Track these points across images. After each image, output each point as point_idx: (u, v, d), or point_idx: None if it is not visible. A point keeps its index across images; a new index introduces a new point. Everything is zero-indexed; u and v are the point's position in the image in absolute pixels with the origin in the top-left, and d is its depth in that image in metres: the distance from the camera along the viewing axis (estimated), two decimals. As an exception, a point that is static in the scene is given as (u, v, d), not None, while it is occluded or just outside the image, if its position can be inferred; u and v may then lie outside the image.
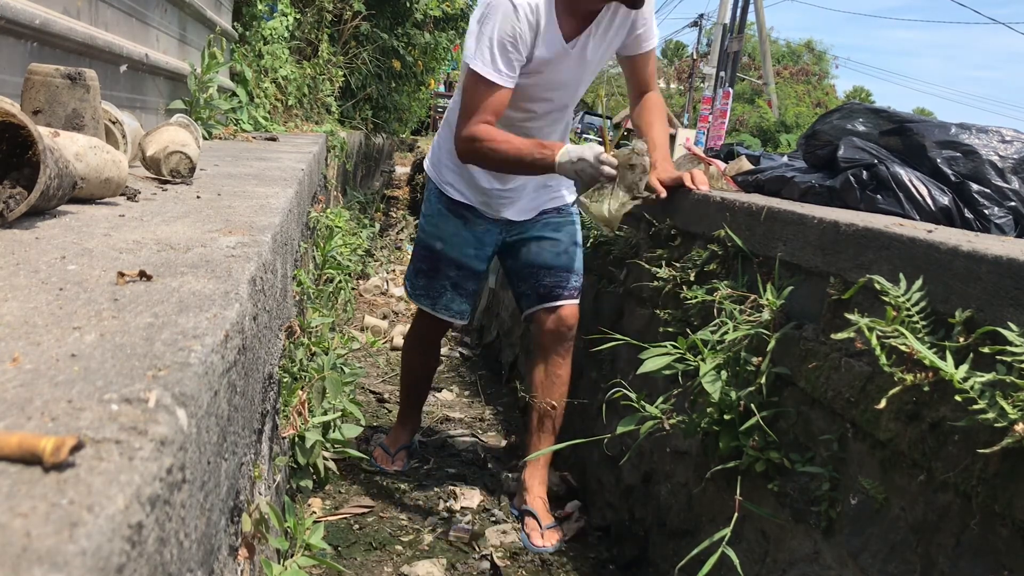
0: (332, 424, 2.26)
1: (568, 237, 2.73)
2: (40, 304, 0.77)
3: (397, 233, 8.07)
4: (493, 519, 2.74)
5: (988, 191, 2.03)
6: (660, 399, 1.95)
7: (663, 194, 2.49)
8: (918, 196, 2.07)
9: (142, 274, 0.90)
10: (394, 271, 6.58)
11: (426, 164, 2.88)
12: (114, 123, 1.76)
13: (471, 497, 2.87)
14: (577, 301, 2.72)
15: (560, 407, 2.72)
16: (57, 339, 0.68)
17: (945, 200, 2.05)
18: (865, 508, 1.51)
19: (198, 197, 1.60)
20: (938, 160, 2.11)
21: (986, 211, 2.02)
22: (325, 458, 2.38)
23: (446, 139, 2.71)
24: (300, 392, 1.85)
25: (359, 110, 8.77)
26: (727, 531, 1.61)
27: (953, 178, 2.08)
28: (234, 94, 4.66)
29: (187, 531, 0.58)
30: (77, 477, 0.45)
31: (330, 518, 2.61)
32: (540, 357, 2.74)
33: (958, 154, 2.10)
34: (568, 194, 2.77)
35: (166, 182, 1.79)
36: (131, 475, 0.46)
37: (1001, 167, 2.05)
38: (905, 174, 2.10)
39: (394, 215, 9.56)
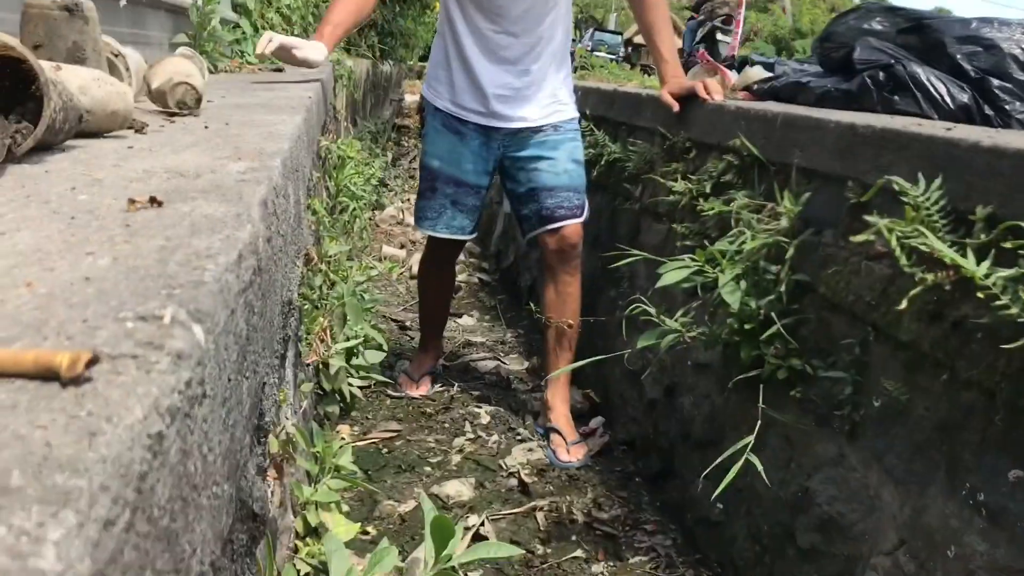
0: (355, 350, 2.28)
1: (566, 155, 2.66)
2: (52, 233, 0.77)
3: (410, 162, 8.02)
4: (519, 437, 2.78)
5: (1010, 86, 1.98)
6: (680, 312, 1.94)
7: (675, 107, 2.46)
8: (936, 95, 2.02)
9: (153, 200, 0.89)
10: (409, 200, 6.55)
11: (423, 86, 2.86)
12: (117, 56, 1.73)
13: (496, 418, 2.91)
14: (580, 219, 2.69)
15: (575, 324, 2.73)
16: (71, 264, 0.67)
17: (964, 98, 2.00)
18: (889, 410, 1.52)
19: (206, 127, 1.58)
20: (958, 56, 2.05)
21: (1007, 107, 1.97)
22: (350, 384, 2.41)
23: (437, 49, 2.72)
24: (321, 319, 1.86)
25: (364, 37, 8.62)
26: (751, 439, 1.62)
27: (973, 74, 2.02)
28: (237, 26, 4.59)
29: (210, 446, 0.59)
30: (95, 390, 0.45)
31: (358, 443, 2.65)
32: (549, 278, 2.76)
33: (979, 49, 2.04)
34: (570, 109, 2.71)
35: (173, 114, 1.77)
36: (148, 387, 0.46)
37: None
38: (923, 73, 2.05)
39: (406, 144, 9.48)
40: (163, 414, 0.47)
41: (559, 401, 2.76)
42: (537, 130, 2.65)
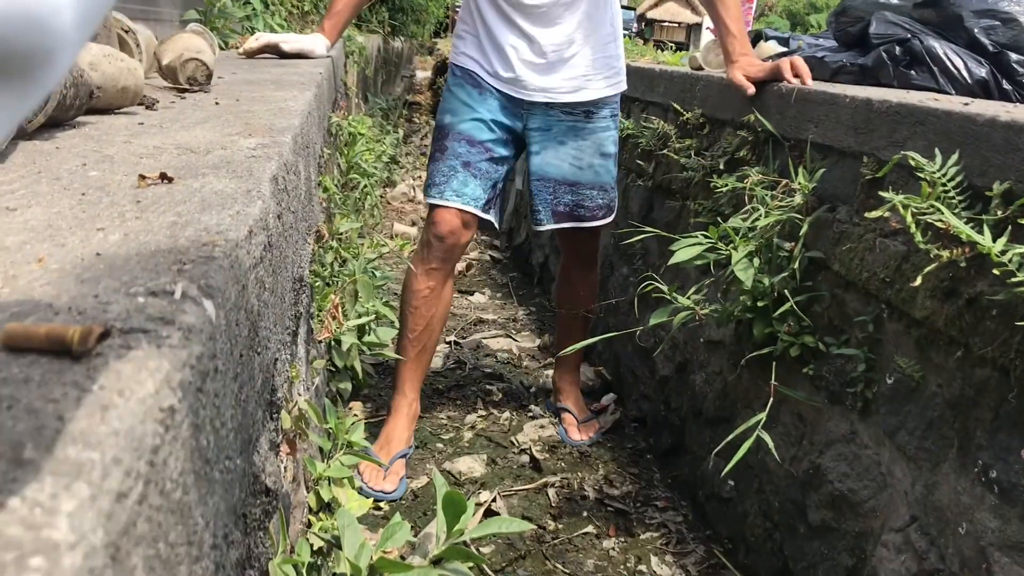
0: (367, 327, 2.28)
1: (593, 147, 2.38)
2: (63, 208, 0.77)
3: (421, 139, 8.00)
4: (530, 415, 2.79)
5: (1029, 60, 1.95)
6: (692, 290, 1.94)
7: (751, 90, 2.09)
8: (953, 69, 2.00)
9: (163, 176, 0.89)
10: (420, 177, 6.54)
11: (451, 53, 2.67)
12: (127, 32, 1.73)
13: (508, 395, 2.91)
14: (601, 221, 2.46)
15: (591, 311, 2.70)
16: (82, 240, 0.68)
17: (982, 72, 1.97)
18: (901, 387, 1.51)
19: (216, 103, 1.58)
20: (975, 30, 2.02)
21: (1027, 81, 1.94)
22: (362, 362, 2.41)
23: (462, 11, 2.47)
24: (333, 296, 1.86)
25: (375, 13, 8.57)
26: (762, 416, 1.61)
27: (991, 48, 1.99)
28: (248, 2, 4.57)
29: (223, 420, 0.59)
30: (106, 364, 0.45)
31: (371, 419, 2.66)
32: (562, 273, 2.68)
33: (997, 23, 2.01)
34: (606, 87, 2.36)
35: (184, 90, 1.77)
36: (160, 361, 0.46)
37: (1044, 34, 1.97)
38: (940, 47, 2.02)
39: (417, 121, 9.45)
40: (175, 388, 0.47)
41: (567, 384, 2.75)
42: (569, 112, 2.34)
